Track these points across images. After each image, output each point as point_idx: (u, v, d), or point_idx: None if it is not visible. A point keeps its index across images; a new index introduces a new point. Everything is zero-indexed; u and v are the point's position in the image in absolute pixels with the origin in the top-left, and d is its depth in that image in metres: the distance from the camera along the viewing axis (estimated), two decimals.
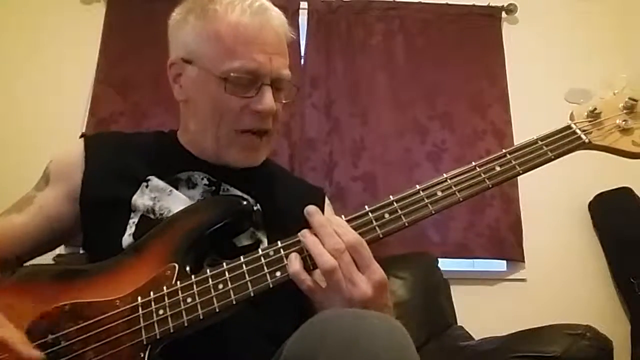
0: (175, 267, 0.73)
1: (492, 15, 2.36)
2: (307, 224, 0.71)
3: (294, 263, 0.68)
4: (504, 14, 2.37)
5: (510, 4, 2.37)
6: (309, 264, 0.69)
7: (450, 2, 2.34)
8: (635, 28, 2.43)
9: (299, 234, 0.71)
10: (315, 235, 0.69)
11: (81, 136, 0.96)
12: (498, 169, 0.76)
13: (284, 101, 0.91)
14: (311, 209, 0.71)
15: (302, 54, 2.23)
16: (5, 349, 0.62)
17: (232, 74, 0.82)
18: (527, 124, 2.18)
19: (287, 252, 0.70)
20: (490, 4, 2.36)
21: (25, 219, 0.89)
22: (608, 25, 2.44)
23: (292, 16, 2.21)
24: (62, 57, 2.22)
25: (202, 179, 0.90)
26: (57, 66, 2.21)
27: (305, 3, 2.29)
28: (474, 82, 2.27)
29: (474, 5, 2.35)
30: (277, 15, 0.88)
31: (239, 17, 0.83)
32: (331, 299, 0.66)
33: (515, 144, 2.42)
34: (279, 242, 0.72)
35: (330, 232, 0.68)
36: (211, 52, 0.84)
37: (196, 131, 0.92)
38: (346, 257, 0.66)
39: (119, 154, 0.92)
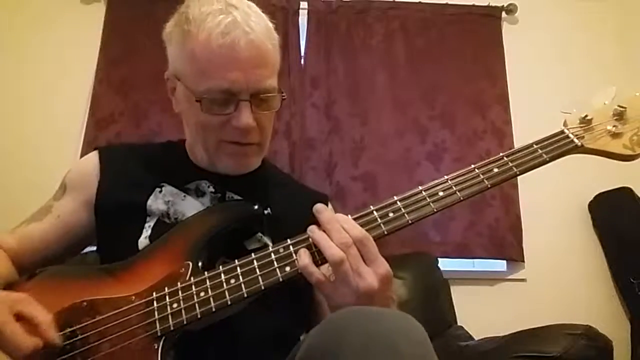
0: (189, 265, 0.76)
1: (492, 15, 2.37)
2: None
3: (304, 257, 0.71)
4: (504, 14, 2.39)
5: (510, 4, 2.38)
6: (317, 258, 0.71)
7: (450, 2, 2.35)
8: (634, 28, 2.43)
9: (307, 229, 0.73)
10: (323, 231, 0.71)
11: (95, 148, 0.99)
12: (496, 170, 0.79)
13: (267, 112, 0.88)
14: (319, 206, 0.73)
15: (302, 54, 2.23)
16: (35, 328, 0.67)
17: (204, 96, 0.82)
18: (527, 123, 2.19)
19: (296, 248, 0.73)
20: (490, 4, 2.37)
21: (44, 227, 0.92)
22: (607, 24, 2.46)
23: (292, 16, 2.23)
24: (62, 57, 2.22)
25: (209, 187, 0.93)
26: (57, 66, 2.21)
27: (305, 3, 2.29)
28: (474, 82, 2.27)
29: (474, 5, 2.36)
30: (254, 26, 0.83)
31: (208, 36, 0.81)
32: (339, 291, 0.68)
33: (515, 143, 2.43)
34: (288, 240, 0.74)
35: (337, 227, 0.71)
36: (189, 72, 0.85)
37: (190, 142, 0.96)
38: (353, 251, 0.69)
39: (131, 164, 0.95)
